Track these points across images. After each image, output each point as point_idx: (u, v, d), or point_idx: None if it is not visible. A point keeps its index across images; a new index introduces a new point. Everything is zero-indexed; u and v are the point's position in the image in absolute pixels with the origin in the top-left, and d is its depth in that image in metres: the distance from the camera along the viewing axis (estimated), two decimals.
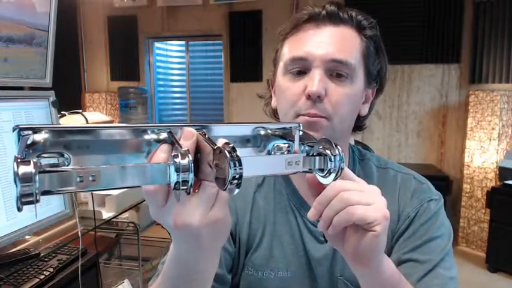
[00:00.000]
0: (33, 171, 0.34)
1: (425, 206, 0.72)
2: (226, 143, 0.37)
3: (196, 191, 0.41)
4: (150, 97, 4.78)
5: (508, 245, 3.07)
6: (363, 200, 0.48)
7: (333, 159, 0.46)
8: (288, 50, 0.70)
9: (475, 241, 3.59)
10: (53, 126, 0.38)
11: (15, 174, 0.34)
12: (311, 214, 0.51)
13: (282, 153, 0.49)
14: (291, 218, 0.75)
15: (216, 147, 0.38)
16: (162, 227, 0.45)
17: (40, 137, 0.37)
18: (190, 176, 0.37)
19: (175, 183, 0.37)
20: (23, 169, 0.34)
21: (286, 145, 0.49)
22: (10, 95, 1.22)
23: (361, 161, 0.79)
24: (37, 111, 1.29)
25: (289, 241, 0.74)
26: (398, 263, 0.67)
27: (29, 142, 0.37)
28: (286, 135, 0.50)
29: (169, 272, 0.52)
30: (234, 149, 0.37)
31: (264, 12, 4.24)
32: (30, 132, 0.37)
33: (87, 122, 1.63)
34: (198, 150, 0.41)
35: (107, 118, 2.87)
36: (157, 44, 4.82)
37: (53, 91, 1.36)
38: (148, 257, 2.99)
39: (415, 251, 0.68)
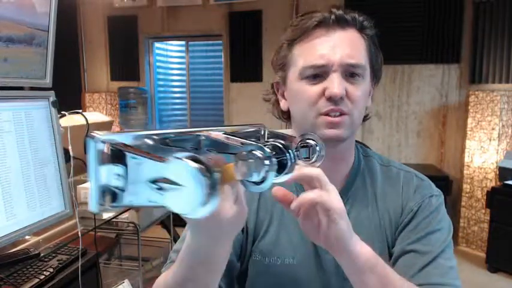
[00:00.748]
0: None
1: (427, 201, 0.76)
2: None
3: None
4: (150, 97, 4.78)
5: (508, 245, 3.07)
6: (330, 195, 0.56)
7: (318, 148, 0.55)
8: (302, 57, 0.73)
9: (475, 241, 3.59)
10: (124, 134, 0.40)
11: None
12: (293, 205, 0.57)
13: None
14: None
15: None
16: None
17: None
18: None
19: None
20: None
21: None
22: (10, 95, 1.22)
23: (365, 157, 0.83)
24: (37, 111, 1.29)
25: (296, 229, 0.76)
26: (402, 254, 0.72)
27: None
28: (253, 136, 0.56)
29: (185, 260, 0.55)
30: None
31: (264, 12, 4.24)
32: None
33: (87, 122, 1.63)
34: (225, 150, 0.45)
35: (107, 118, 2.87)
36: (157, 44, 4.82)
37: (53, 91, 1.36)
38: (148, 257, 2.99)
39: (417, 243, 0.72)
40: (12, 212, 1.18)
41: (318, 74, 0.71)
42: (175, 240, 2.71)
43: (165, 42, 4.87)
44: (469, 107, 3.59)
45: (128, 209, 2.01)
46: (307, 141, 0.58)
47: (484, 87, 3.63)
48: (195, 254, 0.53)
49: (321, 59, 0.70)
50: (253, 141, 0.47)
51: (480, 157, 3.54)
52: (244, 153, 0.43)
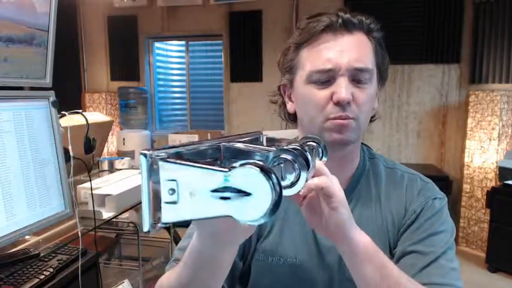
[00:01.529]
0: None
1: (430, 203, 0.77)
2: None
3: None
4: (150, 97, 4.78)
5: (508, 245, 3.07)
6: (333, 182, 0.57)
7: (320, 150, 0.56)
8: (309, 61, 0.73)
9: (475, 241, 3.59)
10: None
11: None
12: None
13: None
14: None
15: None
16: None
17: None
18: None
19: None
20: None
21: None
22: (10, 95, 1.22)
23: (370, 159, 0.84)
24: (37, 111, 1.29)
25: (299, 230, 0.77)
26: (403, 254, 0.72)
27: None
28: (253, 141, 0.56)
29: (191, 262, 0.55)
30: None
31: (264, 12, 4.24)
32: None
33: (87, 122, 1.63)
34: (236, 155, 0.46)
35: (107, 118, 2.87)
36: (157, 44, 4.82)
37: (53, 91, 1.36)
38: (148, 257, 2.99)
39: (420, 244, 0.72)
40: (12, 212, 1.18)
41: (325, 77, 0.71)
42: (175, 240, 2.71)
43: (165, 42, 4.87)
44: (469, 107, 3.59)
45: (129, 208, 2.01)
46: (309, 143, 0.58)
47: (484, 87, 3.63)
48: (201, 257, 0.53)
49: (328, 63, 0.70)
50: (273, 146, 0.48)
51: (480, 157, 3.54)
52: (272, 158, 0.43)
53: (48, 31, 1.32)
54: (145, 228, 0.38)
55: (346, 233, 0.58)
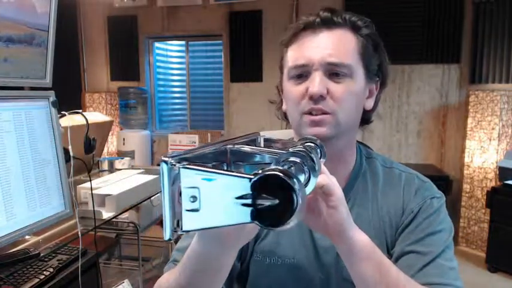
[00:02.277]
0: None
1: (428, 202, 0.76)
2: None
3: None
4: (150, 97, 4.78)
5: (508, 245, 3.07)
6: (332, 181, 0.57)
7: (318, 151, 0.55)
8: (290, 58, 0.75)
9: (475, 241, 3.59)
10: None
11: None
12: None
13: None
14: None
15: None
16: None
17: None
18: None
19: None
20: None
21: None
22: (10, 95, 1.22)
23: (367, 159, 0.83)
24: (37, 111, 1.29)
25: (296, 230, 0.77)
26: (401, 254, 0.72)
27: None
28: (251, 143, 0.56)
29: (191, 265, 0.55)
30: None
31: (264, 12, 4.24)
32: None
33: (87, 122, 1.63)
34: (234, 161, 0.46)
35: (107, 118, 2.87)
36: (157, 44, 4.82)
37: (53, 91, 1.36)
38: (148, 257, 2.99)
39: (418, 243, 0.71)
40: (12, 212, 1.18)
41: (301, 73, 0.72)
42: (175, 241, 2.71)
43: (165, 42, 4.87)
44: (469, 107, 3.59)
45: (129, 208, 2.01)
46: (307, 144, 0.58)
47: (484, 87, 3.63)
48: (201, 260, 0.53)
49: (302, 59, 0.71)
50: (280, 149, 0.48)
51: (480, 157, 3.54)
52: (282, 160, 0.43)
53: (48, 31, 1.32)
54: (166, 236, 0.38)
55: (345, 231, 0.58)
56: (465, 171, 3.64)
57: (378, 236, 0.76)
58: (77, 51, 4.81)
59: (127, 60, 4.73)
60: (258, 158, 0.48)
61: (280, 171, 0.34)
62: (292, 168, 0.44)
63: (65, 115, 1.52)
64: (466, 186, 3.63)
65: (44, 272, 1.29)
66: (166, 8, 4.52)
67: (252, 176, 0.34)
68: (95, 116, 2.76)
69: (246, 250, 0.78)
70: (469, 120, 3.58)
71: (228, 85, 4.47)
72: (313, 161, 0.47)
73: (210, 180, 0.35)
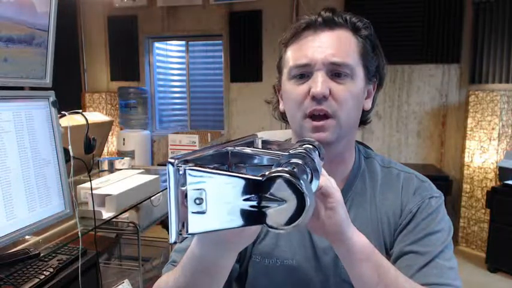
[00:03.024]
0: None
1: (426, 202, 0.76)
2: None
3: None
4: (150, 97, 4.78)
5: (508, 245, 3.07)
6: (331, 183, 0.57)
7: (317, 148, 0.54)
8: (291, 57, 0.74)
9: (475, 241, 3.59)
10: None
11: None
12: None
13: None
14: None
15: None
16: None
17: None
18: None
19: None
20: None
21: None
22: (10, 95, 1.22)
23: (366, 159, 0.83)
24: (37, 111, 1.29)
25: (295, 232, 0.77)
26: (401, 255, 0.72)
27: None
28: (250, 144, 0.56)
29: (190, 267, 0.55)
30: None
31: (264, 12, 4.24)
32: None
33: (87, 122, 1.63)
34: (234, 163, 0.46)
35: (107, 118, 2.87)
36: (157, 44, 4.82)
37: (53, 91, 1.36)
38: (148, 257, 2.99)
39: (416, 244, 0.71)
40: (12, 212, 1.18)
41: (303, 73, 0.71)
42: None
43: (165, 42, 4.87)
44: (469, 107, 3.59)
45: (129, 208, 2.01)
46: (306, 145, 0.58)
47: (484, 87, 3.63)
48: (200, 262, 0.53)
49: (304, 58, 0.71)
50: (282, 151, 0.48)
51: (480, 157, 3.54)
52: (284, 162, 0.43)
53: (48, 31, 1.32)
54: (172, 239, 0.37)
55: (344, 233, 0.58)
56: (465, 171, 3.64)
57: (375, 237, 0.76)
58: (77, 51, 4.80)
59: (127, 60, 4.73)
60: (257, 160, 0.48)
61: (287, 172, 0.34)
62: (295, 169, 0.44)
63: (65, 115, 1.52)
64: (466, 186, 3.63)
65: (44, 272, 1.29)
66: (166, 8, 4.52)
67: (260, 178, 0.34)
68: (95, 116, 2.76)
69: (244, 252, 0.78)
70: (469, 120, 3.58)
71: (228, 85, 4.47)
72: (314, 162, 0.47)
73: (216, 182, 0.35)
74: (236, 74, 4.40)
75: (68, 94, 4.36)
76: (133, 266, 2.61)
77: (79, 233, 1.45)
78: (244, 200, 0.34)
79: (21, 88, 1.30)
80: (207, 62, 4.80)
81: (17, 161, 1.20)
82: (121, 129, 4.66)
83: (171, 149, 4.00)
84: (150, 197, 2.16)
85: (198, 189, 0.35)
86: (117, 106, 4.72)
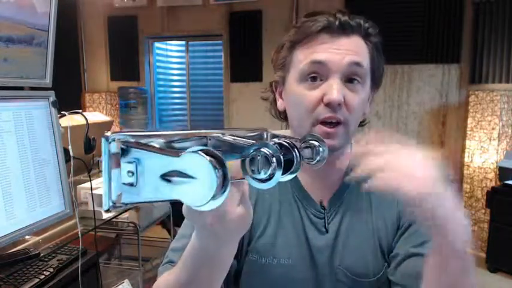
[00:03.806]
0: None
1: None
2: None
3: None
4: (150, 97, 4.78)
5: (508, 245, 3.07)
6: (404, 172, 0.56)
7: (321, 149, 0.54)
8: (303, 57, 0.71)
9: (475, 241, 3.59)
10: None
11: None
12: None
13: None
14: (294, 209, 0.79)
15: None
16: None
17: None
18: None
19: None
20: None
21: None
22: (10, 95, 1.22)
23: None
24: (37, 111, 1.29)
25: (292, 231, 0.77)
26: (408, 256, 0.72)
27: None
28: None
29: (192, 261, 0.55)
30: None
31: (264, 12, 4.24)
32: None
33: (87, 122, 1.63)
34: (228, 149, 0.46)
35: (107, 118, 2.87)
36: (157, 44, 4.82)
37: (53, 91, 1.36)
38: (148, 257, 2.99)
39: (421, 246, 0.71)
40: (12, 212, 1.18)
41: (316, 75, 0.70)
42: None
43: (165, 42, 4.87)
44: (469, 107, 3.59)
45: (129, 208, 2.01)
46: (311, 141, 0.58)
47: (484, 87, 3.63)
48: (200, 255, 0.53)
49: (322, 57, 0.69)
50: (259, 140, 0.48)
51: (480, 157, 3.54)
52: (252, 151, 0.43)
53: (48, 31, 1.32)
54: (105, 207, 0.40)
55: (446, 223, 0.57)
56: (465, 171, 3.64)
57: (371, 241, 0.76)
58: (77, 51, 4.81)
59: (127, 60, 4.73)
60: (243, 148, 0.48)
61: (202, 150, 0.34)
62: (258, 157, 0.43)
63: (65, 115, 1.52)
64: (466, 186, 3.63)
65: (44, 272, 1.29)
66: (166, 8, 4.52)
67: (178, 155, 0.35)
68: (94, 116, 2.76)
69: (240, 249, 0.78)
70: (469, 120, 3.58)
71: (228, 85, 4.47)
72: (288, 159, 0.47)
73: (144, 157, 0.38)
74: (236, 74, 4.41)
75: (67, 94, 4.36)
76: (133, 266, 2.60)
77: (79, 233, 1.45)
78: (163, 175, 0.36)
79: (21, 88, 1.30)
80: (207, 62, 4.80)
81: (17, 161, 1.20)
82: (121, 129, 4.66)
83: None
84: None
85: (130, 162, 0.38)
86: (117, 106, 4.72)
